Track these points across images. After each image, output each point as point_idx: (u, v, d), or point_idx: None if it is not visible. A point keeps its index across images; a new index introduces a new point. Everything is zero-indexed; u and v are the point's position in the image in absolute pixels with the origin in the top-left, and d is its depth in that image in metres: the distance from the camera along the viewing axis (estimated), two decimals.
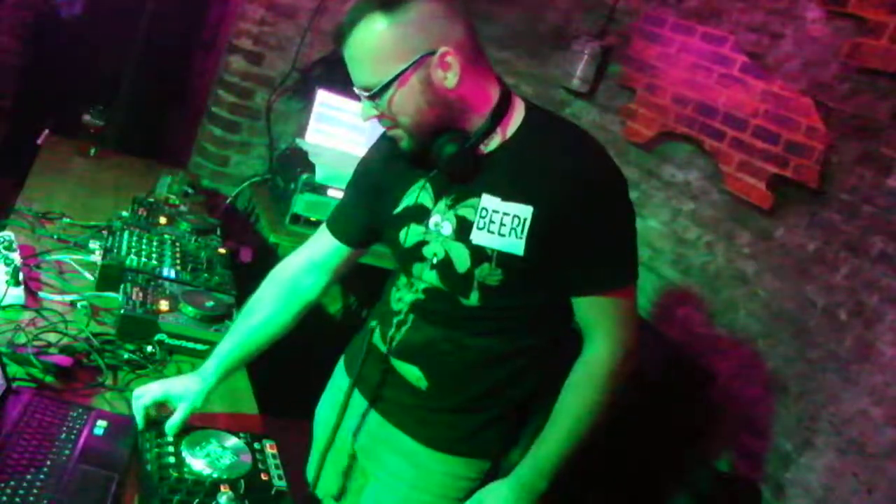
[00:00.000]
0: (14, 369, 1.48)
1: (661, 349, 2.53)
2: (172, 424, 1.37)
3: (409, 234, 1.38)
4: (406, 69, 1.20)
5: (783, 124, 2.43)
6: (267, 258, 2.86)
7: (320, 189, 2.82)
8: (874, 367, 2.10)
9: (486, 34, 3.44)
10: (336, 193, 2.78)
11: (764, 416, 2.36)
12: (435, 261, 1.35)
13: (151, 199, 2.41)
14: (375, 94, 1.23)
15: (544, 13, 3.43)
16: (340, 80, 3.14)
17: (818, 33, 2.38)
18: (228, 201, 3.27)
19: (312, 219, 2.81)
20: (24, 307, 1.71)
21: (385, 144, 1.46)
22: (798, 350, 2.30)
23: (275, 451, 1.43)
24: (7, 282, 1.71)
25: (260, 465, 1.37)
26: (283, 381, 2.09)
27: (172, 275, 1.95)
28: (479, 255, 1.29)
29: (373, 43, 1.20)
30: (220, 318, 1.82)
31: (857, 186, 2.22)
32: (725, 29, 2.69)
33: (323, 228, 1.57)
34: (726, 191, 2.62)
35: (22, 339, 1.57)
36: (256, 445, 1.42)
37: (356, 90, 1.27)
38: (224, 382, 1.50)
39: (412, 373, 1.43)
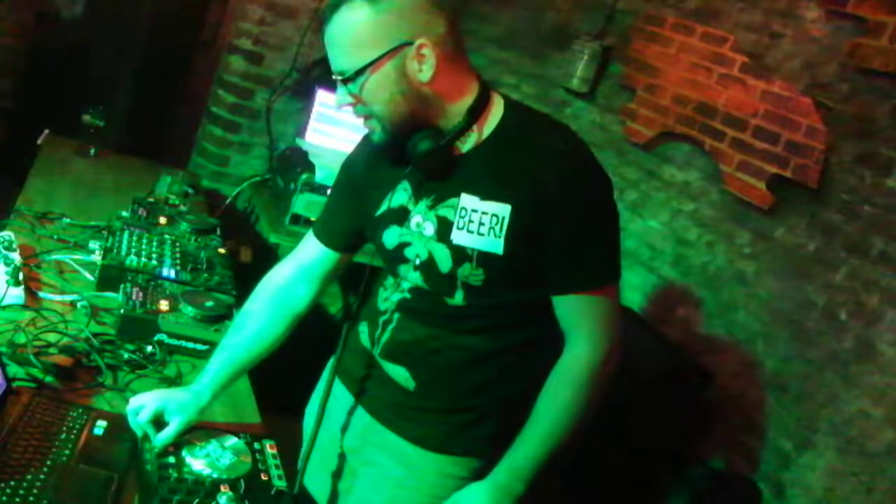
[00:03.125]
0: (14, 369, 1.48)
1: (661, 349, 2.53)
2: (163, 439, 1.34)
3: (392, 236, 1.39)
4: (381, 56, 1.21)
5: (783, 124, 2.43)
6: (267, 258, 2.86)
7: (320, 189, 2.82)
8: (874, 367, 2.10)
9: (486, 34, 3.45)
10: None
11: (763, 416, 2.36)
12: (418, 262, 1.35)
13: (151, 199, 2.41)
14: (349, 79, 1.25)
15: (544, 13, 3.43)
16: None
17: (818, 33, 2.38)
18: (228, 201, 3.27)
19: (312, 219, 2.81)
20: (24, 307, 1.71)
21: (366, 148, 1.47)
22: (798, 350, 2.30)
23: (275, 451, 1.42)
24: (7, 282, 1.71)
25: (260, 465, 1.37)
26: (283, 380, 2.09)
27: (172, 275, 1.95)
28: (460, 255, 1.29)
29: (352, 28, 1.21)
30: (220, 318, 1.82)
31: (857, 186, 2.22)
32: (725, 29, 2.69)
33: (309, 235, 1.56)
34: (726, 191, 2.62)
35: (22, 339, 1.57)
36: (256, 445, 1.42)
37: (333, 76, 1.28)
38: None
39: (400, 373, 1.43)
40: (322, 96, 3.12)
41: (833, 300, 2.24)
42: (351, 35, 1.22)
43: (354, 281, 1.63)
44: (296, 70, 3.25)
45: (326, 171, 2.83)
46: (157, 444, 1.33)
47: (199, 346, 1.75)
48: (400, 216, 1.37)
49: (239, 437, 1.42)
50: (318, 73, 3.25)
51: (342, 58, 1.25)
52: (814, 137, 2.33)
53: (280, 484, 1.34)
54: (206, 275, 2.01)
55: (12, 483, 1.19)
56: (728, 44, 2.67)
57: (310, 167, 2.85)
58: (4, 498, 1.15)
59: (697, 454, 2.50)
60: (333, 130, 3.17)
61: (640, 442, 2.39)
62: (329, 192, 1.59)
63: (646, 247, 2.89)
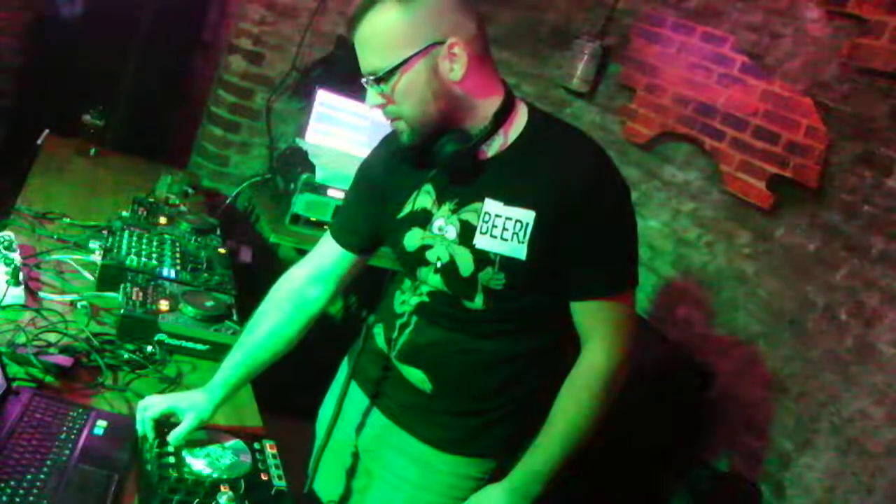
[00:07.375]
0: (14, 369, 1.48)
1: (661, 349, 2.53)
2: (177, 435, 1.35)
3: (413, 239, 1.39)
4: (413, 55, 1.21)
5: (783, 124, 2.43)
6: (267, 258, 2.86)
7: (320, 189, 2.82)
8: (874, 367, 2.10)
9: (487, 34, 3.45)
10: (336, 193, 2.78)
11: (764, 415, 2.36)
12: (439, 264, 1.35)
13: (151, 199, 2.41)
14: (381, 78, 1.24)
15: (544, 13, 3.43)
16: (340, 80, 3.16)
17: (818, 33, 2.38)
18: (228, 201, 3.27)
19: (312, 219, 2.81)
20: (24, 307, 1.71)
21: (386, 149, 1.46)
22: (798, 350, 2.31)
23: (275, 451, 1.42)
24: (7, 282, 1.71)
25: (260, 465, 1.37)
26: (284, 381, 2.09)
27: (172, 275, 1.95)
28: (483, 259, 1.30)
29: (383, 28, 1.21)
30: (220, 318, 1.82)
31: (857, 186, 2.22)
32: (725, 29, 2.69)
33: (326, 237, 1.56)
34: (726, 191, 2.62)
35: (22, 339, 1.57)
36: (256, 445, 1.42)
37: (363, 78, 1.28)
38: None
39: (416, 376, 1.43)
40: (322, 96, 3.12)
41: (833, 300, 2.24)
42: (382, 35, 1.22)
43: (355, 282, 1.62)
44: (296, 70, 3.25)
45: (326, 171, 2.83)
46: (171, 440, 1.34)
47: (199, 346, 1.75)
48: (422, 219, 1.37)
49: (239, 437, 1.42)
50: (318, 73, 3.25)
51: (373, 58, 1.24)
52: (814, 137, 2.33)
53: (280, 484, 1.34)
54: (206, 275, 2.01)
55: (12, 483, 1.18)
56: (728, 44, 2.67)
57: (310, 167, 2.85)
58: (4, 498, 1.15)
59: (697, 454, 2.50)
60: (333, 130, 3.16)
61: (640, 442, 2.39)
62: (345, 194, 1.58)
63: (646, 247, 2.89)
